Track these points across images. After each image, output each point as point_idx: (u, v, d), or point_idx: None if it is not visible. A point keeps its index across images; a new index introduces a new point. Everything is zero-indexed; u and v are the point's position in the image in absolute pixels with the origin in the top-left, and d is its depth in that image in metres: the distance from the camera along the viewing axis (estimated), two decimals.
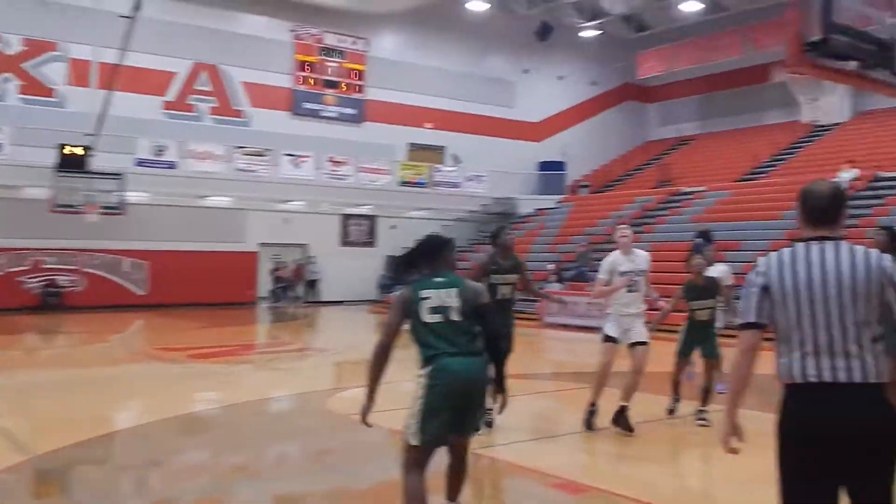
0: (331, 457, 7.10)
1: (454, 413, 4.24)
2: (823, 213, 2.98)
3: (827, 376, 2.80)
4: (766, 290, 2.94)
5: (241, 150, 26.61)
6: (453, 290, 4.33)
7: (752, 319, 2.97)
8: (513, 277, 7.59)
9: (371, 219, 29.63)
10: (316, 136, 28.77)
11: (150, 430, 7.91)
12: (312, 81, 29.85)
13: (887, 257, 2.91)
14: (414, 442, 4.27)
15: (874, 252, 2.91)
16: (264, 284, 27.57)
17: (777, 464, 2.93)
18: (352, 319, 23.61)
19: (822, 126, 29.42)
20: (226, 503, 5.73)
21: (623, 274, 7.49)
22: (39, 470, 6.41)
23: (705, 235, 21.44)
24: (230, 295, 25.70)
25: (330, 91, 30.15)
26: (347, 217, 29.21)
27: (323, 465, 6.91)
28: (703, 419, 7.77)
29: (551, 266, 23.82)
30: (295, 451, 7.45)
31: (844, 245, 2.91)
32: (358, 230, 29.47)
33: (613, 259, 7.66)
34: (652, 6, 31.56)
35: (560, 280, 22.71)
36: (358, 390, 10.04)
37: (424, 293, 4.33)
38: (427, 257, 4.48)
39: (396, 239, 29.39)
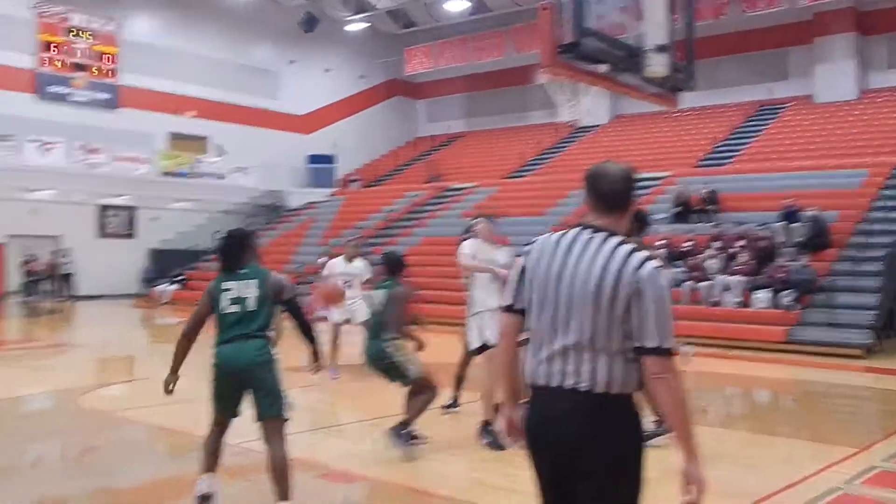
0: (92, 455, 6.73)
1: (231, 394, 4.65)
2: (609, 198, 2.65)
3: (556, 380, 2.54)
4: (523, 272, 2.69)
5: None
6: (253, 282, 4.59)
7: (509, 301, 2.73)
8: None
9: (130, 209, 27.87)
10: (66, 122, 26.62)
11: None
12: (59, 63, 27.54)
13: (650, 262, 2.52)
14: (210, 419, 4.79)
15: (633, 254, 2.52)
16: (13, 278, 25.19)
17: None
18: (113, 314, 22.12)
19: (584, 127, 31.42)
20: None
21: None
22: None
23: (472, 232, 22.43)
24: None
25: (79, 74, 27.96)
26: (104, 208, 27.28)
27: (84, 464, 6.51)
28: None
29: (322, 259, 23.67)
30: (54, 450, 6.99)
31: (611, 239, 2.57)
32: (116, 221, 27.61)
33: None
34: (418, 3, 32.27)
35: None
36: (119, 386, 9.61)
37: (226, 285, 4.62)
38: (231, 252, 4.70)
39: (159, 231, 28.00)
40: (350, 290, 10.39)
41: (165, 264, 26.75)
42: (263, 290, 4.60)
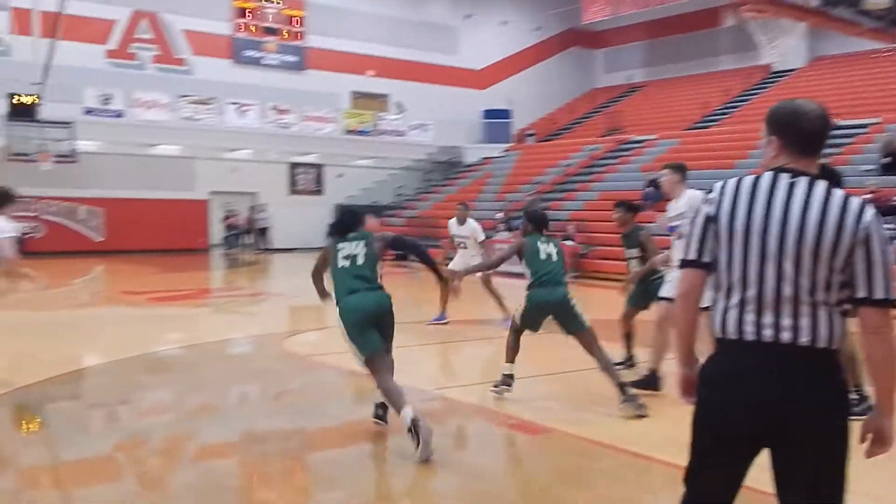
0: (291, 396, 7.19)
1: (371, 329, 5.43)
2: (808, 141, 2.42)
3: (769, 333, 2.31)
4: (712, 221, 2.41)
5: (185, 98, 26.20)
6: (362, 243, 5.56)
7: (692, 257, 2.46)
8: None
9: (318, 167, 29.33)
10: (259, 85, 28.26)
11: (117, 368, 7.99)
12: (253, 28, 29.15)
13: (869, 208, 2.32)
14: (362, 358, 5.38)
15: (853, 199, 2.32)
16: (216, 232, 27.46)
17: (691, 431, 2.49)
18: (303, 266, 23.41)
19: (776, 73, 29.55)
20: (192, 439, 5.73)
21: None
22: (20, 402, 6.65)
23: (656, 184, 21.75)
24: (183, 242, 25.74)
25: (270, 38, 29.48)
26: (295, 166, 28.90)
27: (284, 404, 6.97)
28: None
29: (499, 215, 23.91)
30: (256, 390, 7.49)
31: (820, 184, 2.35)
32: (306, 178, 29.19)
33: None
34: None
35: (509, 229, 22.83)
36: (314, 333, 10.21)
37: (340, 246, 5.58)
38: (344, 223, 5.72)
39: (343, 187, 29.27)
40: (463, 251, 11.06)
41: None
42: (371, 249, 5.52)
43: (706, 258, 2.43)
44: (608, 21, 33.13)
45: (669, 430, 5.76)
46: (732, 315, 2.36)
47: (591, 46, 37.32)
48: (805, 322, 2.29)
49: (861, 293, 2.29)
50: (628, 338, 7.83)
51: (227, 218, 27.52)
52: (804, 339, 2.28)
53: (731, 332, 2.36)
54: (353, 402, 7.04)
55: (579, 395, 6.85)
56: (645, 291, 7.36)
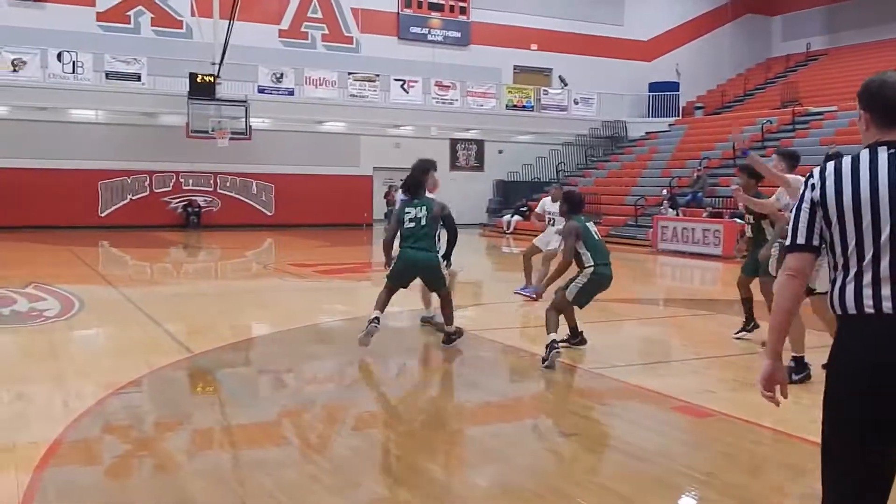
0: (450, 370, 7.29)
1: (405, 279, 7.48)
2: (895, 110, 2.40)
3: (889, 306, 2.28)
4: (818, 205, 2.43)
5: (352, 76, 26.87)
6: (423, 207, 7.26)
7: (801, 241, 2.47)
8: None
9: (479, 143, 29.42)
10: (423, 61, 28.64)
11: (285, 337, 8.34)
12: (418, 4, 29.50)
13: None
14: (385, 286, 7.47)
15: None
16: (379, 207, 28.16)
17: (823, 410, 2.45)
18: (463, 243, 23.63)
19: None
20: (354, 408, 5.87)
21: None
22: (198, 367, 7.01)
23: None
24: (347, 216, 26.72)
25: (435, 14, 29.74)
26: (456, 142, 29.12)
27: (443, 377, 7.13)
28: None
29: (665, 191, 23.16)
30: (415, 363, 7.65)
31: None
32: (466, 154, 29.36)
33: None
34: None
35: (673, 206, 22.07)
36: (471, 309, 10.26)
37: (408, 209, 7.32)
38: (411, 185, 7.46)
39: (504, 163, 29.24)
40: (550, 227, 11.53)
41: (510, 195, 27.96)
42: (430, 213, 7.19)
43: (815, 241, 2.46)
44: None
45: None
46: (851, 290, 2.36)
47: (766, 13, 35.28)
48: None
49: None
50: (747, 302, 8.02)
51: (388, 194, 28.11)
52: None
53: (852, 308, 2.36)
54: (512, 378, 7.03)
55: (741, 377, 6.61)
56: (758, 262, 7.45)
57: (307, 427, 5.36)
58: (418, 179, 7.50)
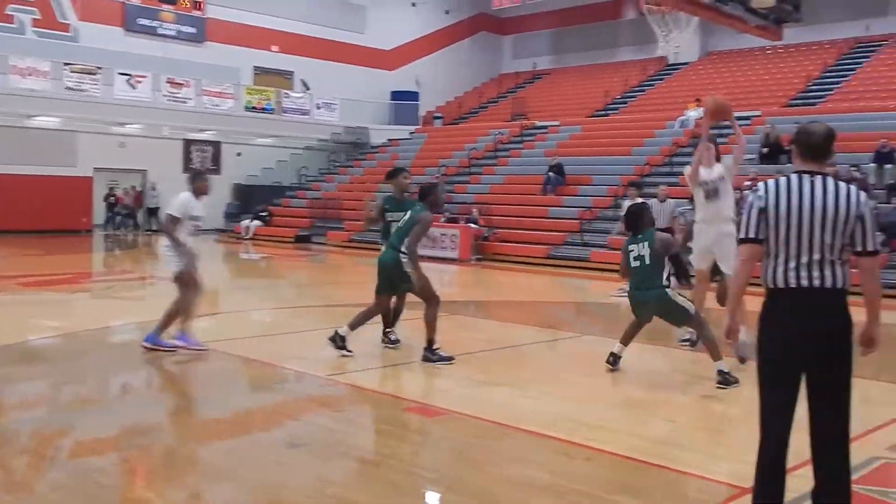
0: (179, 385, 6.84)
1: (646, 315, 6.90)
2: (817, 151, 3.50)
3: (805, 283, 3.41)
4: (763, 211, 3.44)
5: (69, 66, 24.41)
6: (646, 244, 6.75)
7: (752, 235, 3.49)
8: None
9: (215, 145, 28.14)
10: (153, 56, 26.88)
11: None
12: None
13: (863, 194, 3.46)
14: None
15: (853, 189, 3.43)
16: (100, 212, 25.90)
17: (758, 355, 3.47)
18: (197, 249, 22.48)
19: (672, 64, 30.34)
20: (66, 435, 5.19)
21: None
22: None
23: (557, 169, 21.86)
24: (64, 222, 23.96)
25: (167, 7, 28.08)
26: (190, 143, 27.61)
27: (171, 393, 6.63)
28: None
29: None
30: (140, 380, 7.00)
31: (829, 180, 3.43)
32: (201, 156, 27.93)
33: None
34: None
35: None
36: (207, 319, 9.61)
37: (631, 246, 6.84)
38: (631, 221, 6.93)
39: (243, 166, 28.24)
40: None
41: (249, 200, 27.04)
42: (654, 249, 6.66)
43: (761, 236, 3.47)
44: (516, 8, 33.25)
45: (561, 407, 5.91)
46: (781, 271, 3.43)
47: (499, 32, 37.27)
48: (828, 272, 3.39)
49: (860, 248, 3.43)
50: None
51: (111, 196, 26.07)
52: (832, 283, 3.39)
53: (781, 283, 3.43)
54: (245, 390, 6.59)
55: (475, 376, 6.78)
56: None
57: (3, 463, 4.60)
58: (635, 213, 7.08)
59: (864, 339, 3.48)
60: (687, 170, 7.74)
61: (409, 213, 7.28)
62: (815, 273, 3.39)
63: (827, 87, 24.50)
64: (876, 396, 6.36)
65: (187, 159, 27.53)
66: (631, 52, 32.47)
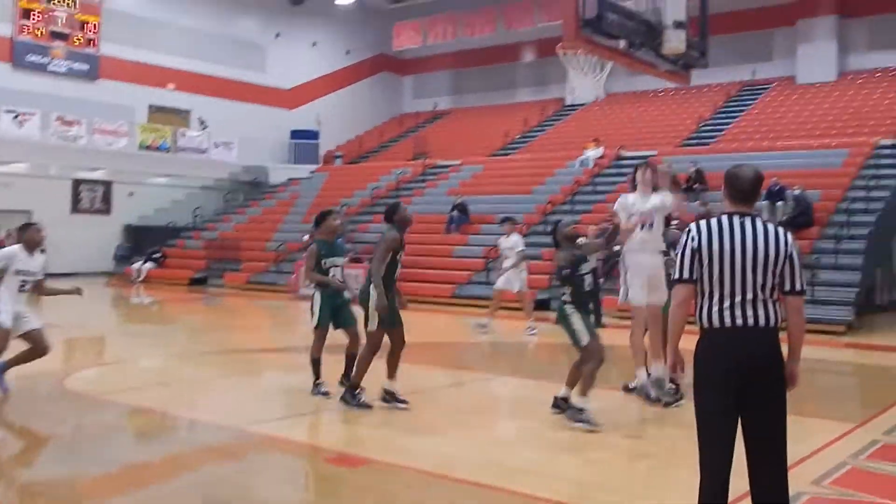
0: (73, 438, 6.39)
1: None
2: (746, 194, 3.61)
3: (739, 321, 3.49)
4: (696, 251, 3.53)
5: None
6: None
7: (686, 276, 3.58)
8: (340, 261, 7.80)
9: (106, 184, 27.13)
10: (43, 93, 25.81)
11: None
12: (39, 32, 26.69)
13: (790, 235, 3.58)
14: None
15: (780, 230, 3.56)
16: None
17: (695, 395, 3.55)
18: (85, 292, 21.49)
19: (569, 106, 31.17)
20: None
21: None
22: None
23: (461, 208, 22.00)
24: None
25: (59, 43, 27.12)
26: (79, 182, 26.54)
27: (58, 448, 6.16)
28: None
29: (306, 237, 23.17)
30: (29, 435, 6.57)
31: (759, 221, 3.56)
32: (91, 196, 26.87)
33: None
34: None
35: None
36: (99, 369, 9.13)
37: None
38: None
39: (136, 206, 27.32)
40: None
41: (142, 241, 26.13)
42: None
43: (695, 276, 3.56)
44: (416, 49, 33.59)
45: (485, 452, 5.79)
46: (716, 311, 3.51)
47: (399, 72, 37.53)
48: (761, 311, 3.50)
49: (788, 287, 3.56)
50: None
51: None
52: (765, 322, 3.49)
53: (716, 323, 3.51)
54: (136, 443, 6.22)
55: (395, 423, 6.58)
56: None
57: None
58: None
59: (787, 375, 3.57)
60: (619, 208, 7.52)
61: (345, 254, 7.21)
62: (749, 312, 3.47)
63: (718, 127, 25.53)
64: (794, 432, 6.40)
65: (76, 199, 26.45)
66: (530, 93, 33.25)
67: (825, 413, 7.21)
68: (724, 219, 3.56)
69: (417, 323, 8.28)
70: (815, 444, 5.90)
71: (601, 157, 23.63)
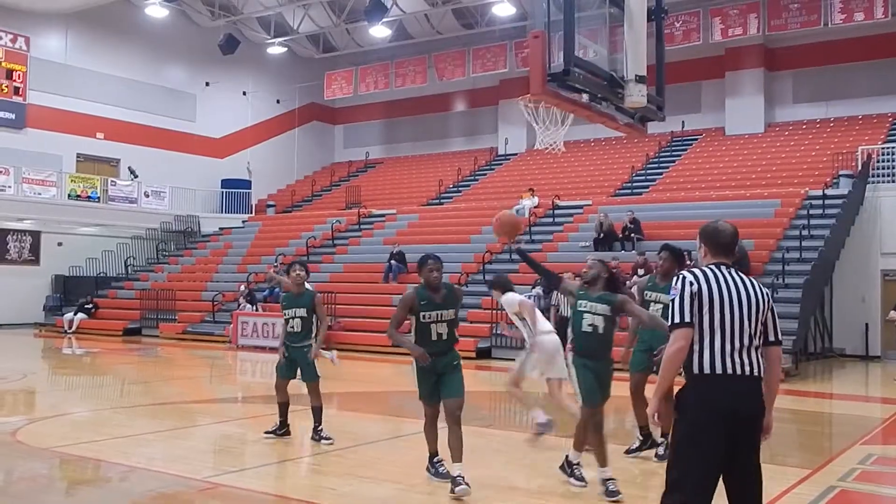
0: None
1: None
2: (728, 247, 3.83)
3: (737, 370, 3.62)
4: (696, 296, 3.63)
5: None
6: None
7: (687, 319, 3.64)
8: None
9: (34, 234, 26.58)
10: None
11: None
12: None
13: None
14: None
15: (756, 281, 3.78)
16: None
17: (683, 444, 3.59)
18: (15, 344, 20.94)
19: (502, 155, 31.81)
20: None
21: None
22: None
23: (399, 257, 22.28)
24: None
25: None
26: (7, 232, 25.94)
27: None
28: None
29: (242, 287, 23.13)
30: None
31: (741, 274, 3.77)
32: (19, 247, 26.27)
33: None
34: (338, 28, 32.11)
35: (251, 301, 22.11)
36: (48, 421, 8.98)
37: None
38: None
39: (65, 256, 26.79)
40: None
41: (72, 291, 25.63)
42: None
43: (694, 320, 3.64)
44: (348, 98, 34.00)
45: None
46: (709, 356, 3.62)
47: (331, 122, 37.86)
48: (754, 359, 3.67)
49: (771, 338, 3.75)
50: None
51: None
52: (756, 371, 3.65)
53: (718, 369, 3.61)
54: (74, 492, 6.24)
55: (358, 471, 6.62)
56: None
57: None
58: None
59: (764, 425, 3.72)
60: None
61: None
62: (745, 359, 3.60)
63: (650, 177, 25.94)
64: None
65: (3, 249, 25.83)
66: (462, 143, 33.82)
67: (780, 460, 7.21)
68: (714, 268, 3.72)
69: (358, 372, 8.46)
70: (773, 491, 5.94)
71: (537, 207, 23.88)
